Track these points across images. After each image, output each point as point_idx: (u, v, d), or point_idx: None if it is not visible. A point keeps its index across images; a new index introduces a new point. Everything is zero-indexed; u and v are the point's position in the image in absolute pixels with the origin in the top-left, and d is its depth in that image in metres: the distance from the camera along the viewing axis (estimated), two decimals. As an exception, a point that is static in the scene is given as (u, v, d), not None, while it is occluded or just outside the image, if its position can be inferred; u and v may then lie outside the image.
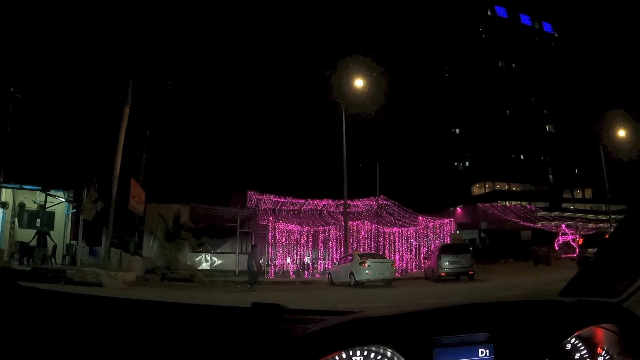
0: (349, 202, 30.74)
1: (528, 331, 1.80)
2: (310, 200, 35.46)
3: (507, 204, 55.46)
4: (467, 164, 77.31)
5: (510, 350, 1.75)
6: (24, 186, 23.45)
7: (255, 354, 1.50)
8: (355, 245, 29.98)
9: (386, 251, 30.93)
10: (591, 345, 2.05)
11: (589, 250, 20.31)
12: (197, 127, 40.35)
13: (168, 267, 24.37)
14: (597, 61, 74.11)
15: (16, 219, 24.03)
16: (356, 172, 38.29)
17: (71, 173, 24.26)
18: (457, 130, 78.35)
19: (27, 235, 22.76)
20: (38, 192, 23.76)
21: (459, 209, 52.55)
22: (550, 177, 74.73)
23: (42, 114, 24.89)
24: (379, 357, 1.63)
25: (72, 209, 25.30)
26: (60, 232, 24.91)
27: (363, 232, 31.06)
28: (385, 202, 36.71)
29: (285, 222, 30.60)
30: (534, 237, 40.75)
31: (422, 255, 30.81)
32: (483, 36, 78.32)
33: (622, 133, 42.86)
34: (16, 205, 24.22)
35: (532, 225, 44.32)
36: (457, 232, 34.90)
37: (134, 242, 27.58)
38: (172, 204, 28.06)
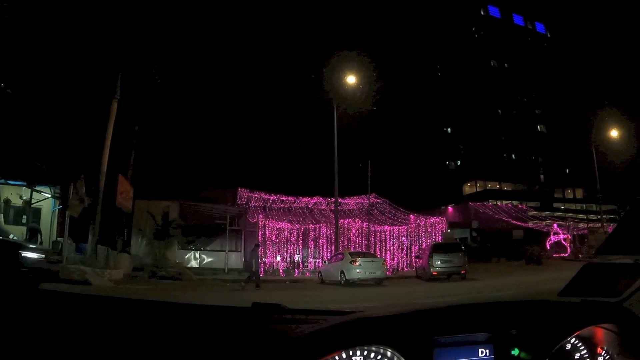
0: (340, 200, 30.52)
1: (528, 331, 1.80)
2: (301, 198, 35.25)
3: (499, 203, 55.53)
4: (458, 162, 77.50)
5: (510, 350, 1.76)
6: (9, 181, 23.01)
7: (255, 353, 1.50)
8: (346, 243, 29.74)
9: (377, 250, 30.74)
10: (591, 345, 2.06)
11: None
12: (187, 123, 40.06)
13: (156, 264, 23.93)
14: (589, 62, 74.46)
15: (1, 215, 23.60)
16: (347, 170, 38.08)
17: (58, 168, 23.84)
18: (449, 129, 78.56)
19: (13, 232, 22.33)
20: (24, 187, 23.33)
21: (450, 208, 52.60)
22: (542, 176, 75.00)
23: (29, 108, 24.45)
24: (379, 357, 1.64)
25: (59, 205, 24.89)
26: (46, 229, 24.56)
27: (354, 231, 30.83)
28: (376, 200, 36.56)
29: (276, 220, 30.35)
30: (526, 237, 40.77)
31: (413, 254, 30.57)
32: (476, 36, 78.47)
33: (612, 134, 42.98)
34: (1, 201, 23.79)
35: (523, 224, 44.40)
36: (449, 231, 34.77)
37: (122, 239, 27.18)
38: (161, 200, 27.80)
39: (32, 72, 24.09)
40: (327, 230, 30.03)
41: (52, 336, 1.57)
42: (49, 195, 24.55)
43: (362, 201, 35.71)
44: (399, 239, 32.54)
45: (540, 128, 78.31)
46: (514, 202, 58.43)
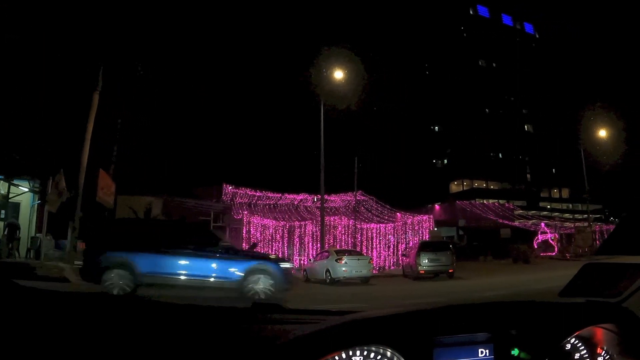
0: (326, 197, 30.18)
1: (528, 331, 1.79)
2: (286, 195, 34.85)
3: (485, 201, 55.60)
4: (445, 161, 77.68)
5: (510, 350, 1.75)
6: (-14, 175, 22.39)
7: (255, 354, 1.48)
8: (332, 241, 29.44)
9: (364, 248, 30.46)
10: (591, 345, 2.05)
11: None
12: (172, 118, 39.58)
13: None
14: (577, 63, 74.96)
15: (-22, 210, 23.01)
16: (334, 167, 37.84)
17: (37, 161, 23.27)
18: (437, 127, 78.71)
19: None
20: (1, 181, 22.70)
21: (437, 206, 52.54)
22: (528, 176, 75.38)
23: (6, 99, 23.78)
24: (379, 357, 1.63)
25: (38, 200, 24.28)
26: (26, 224, 23.98)
27: (340, 228, 30.52)
28: (363, 197, 36.29)
29: (261, 217, 29.89)
30: (513, 236, 40.79)
31: (400, 252, 30.30)
32: (465, 35, 78.60)
33: (598, 134, 43.15)
34: (-22, 195, 23.18)
35: (510, 223, 44.49)
36: (436, 229, 34.59)
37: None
38: (143, 196, 27.42)
39: (10, 62, 23.45)
40: (312, 228, 29.68)
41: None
42: (27, 189, 23.95)
43: (349, 198, 35.36)
44: (385, 236, 32.24)
45: (527, 128, 78.77)
46: (501, 201, 58.59)
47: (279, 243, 29.01)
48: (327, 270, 21.20)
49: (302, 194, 35.17)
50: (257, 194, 33.96)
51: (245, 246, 27.89)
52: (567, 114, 63.68)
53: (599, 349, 2.06)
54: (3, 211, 23.22)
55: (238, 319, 1.96)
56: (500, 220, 44.76)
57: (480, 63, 77.83)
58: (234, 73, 56.82)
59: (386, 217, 34.48)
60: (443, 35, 76.66)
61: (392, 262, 31.61)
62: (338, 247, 27.04)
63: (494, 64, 78.09)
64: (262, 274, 11.63)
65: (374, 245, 31.57)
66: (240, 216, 29.09)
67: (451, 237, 41.50)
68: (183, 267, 11.70)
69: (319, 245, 27.82)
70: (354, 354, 1.61)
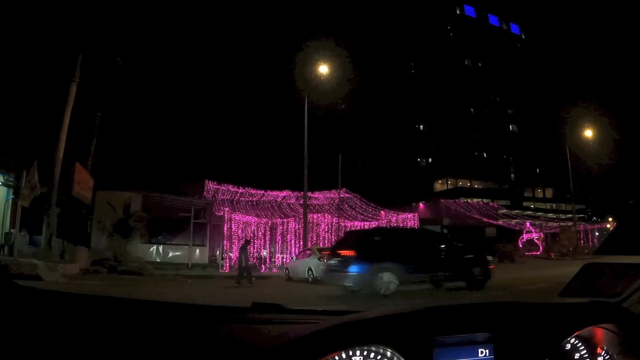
0: (309, 194, 29.76)
1: (528, 331, 1.78)
2: (269, 192, 34.42)
3: (469, 200, 55.71)
4: (430, 160, 77.86)
5: (510, 350, 1.74)
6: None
7: (255, 354, 1.46)
8: (315, 239, 29.00)
9: (347, 246, 29.98)
10: (591, 345, 2.05)
11: None
12: (155, 113, 39.01)
13: (117, 259, 22.91)
14: (562, 64, 75.59)
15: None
16: (318, 164, 37.52)
17: (11, 154, 22.52)
18: (422, 126, 78.86)
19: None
20: (-27, 174, 21.99)
21: (421, 205, 52.52)
22: (512, 175, 75.83)
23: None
24: (379, 357, 1.62)
25: (12, 195, 23.53)
26: (-1, 219, 23.19)
27: (323, 226, 30.07)
28: (347, 195, 35.97)
29: (243, 214, 29.36)
30: (498, 235, 40.78)
31: (384, 251, 29.91)
32: (451, 34, 78.85)
33: (583, 135, 43.32)
34: (-53, 188, 22.41)
35: (494, 222, 44.55)
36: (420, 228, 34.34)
37: (81, 231, 25.95)
38: (123, 191, 26.82)
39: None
40: (295, 225, 29.18)
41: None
42: (1, 183, 23.20)
43: (333, 196, 35.01)
44: (370, 235, 31.81)
45: (512, 128, 79.26)
46: (485, 200, 58.80)
47: (260, 240, 28.42)
48: (309, 269, 20.68)
49: (286, 191, 34.77)
50: (240, 190, 33.50)
51: (226, 243, 27.54)
52: (551, 115, 64.13)
53: (599, 349, 2.05)
54: (-25, 206, 22.52)
55: (238, 319, 1.93)
56: (485, 219, 44.87)
57: (466, 63, 78.23)
58: (219, 69, 56.35)
59: (370, 215, 34.19)
60: (429, 34, 76.91)
61: (376, 261, 31.19)
62: (321, 245, 26.60)
63: (479, 64, 78.54)
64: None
65: (358, 243, 31.14)
66: (221, 213, 28.52)
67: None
68: (433, 268, 14.06)
69: (301, 243, 27.35)
70: (354, 354, 1.60)
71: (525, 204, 70.58)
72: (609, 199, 70.17)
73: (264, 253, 29.18)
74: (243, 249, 21.22)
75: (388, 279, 13.02)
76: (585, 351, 2.04)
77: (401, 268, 13.23)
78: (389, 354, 1.60)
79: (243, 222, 28.23)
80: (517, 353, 1.75)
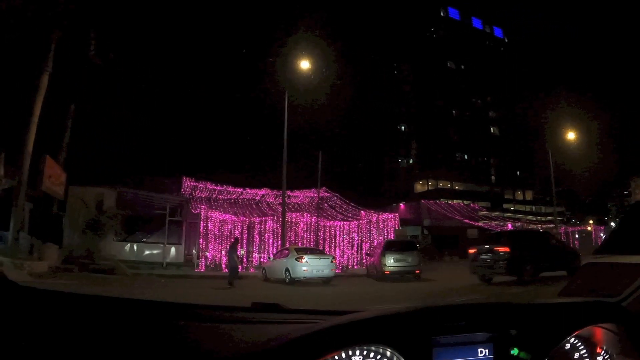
0: (289, 192, 29.16)
1: (527, 331, 1.79)
2: (248, 190, 33.76)
3: (450, 202, 55.77)
4: (411, 161, 77.96)
5: (510, 350, 1.74)
6: None
7: (254, 354, 1.46)
8: (293, 238, 28.38)
9: (326, 246, 29.54)
10: (591, 345, 2.05)
11: None
12: (132, 107, 38.13)
13: (89, 257, 22.30)
14: (544, 68, 76.28)
15: None
16: (298, 163, 36.95)
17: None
18: (403, 127, 78.95)
19: None
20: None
21: (402, 205, 52.41)
22: (493, 177, 76.31)
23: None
24: (379, 356, 1.63)
25: (-22, 189, 22.66)
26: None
27: (302, 225, 29.39)
28: (327, 194, 35.46)
29: (220, 212, 28.60)
30: (480, 236, 40.58)
31: (364, 251, 29.38)
32: (434, 36, 79.07)
33: (564, 139, 43.44)
34: None
35: (474, 223, 44.52)
36: (401, 228, 33.94)
37: (53, 228, 25.10)
38: (96, 187, 26.17)
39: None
40: (273, 224, 28.49)
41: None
42: (-36, 176, 22.27)
43: (312, 195, 34.45)
44: (349, 235, 31.32)
45: (493, 130, 79.76)
46: (465, 202, 58.95)
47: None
48: (287, 270, 20.05)
49: (265, 189, 34.17)
50: (218, 188, 32.81)
51: (202, 241, 26.77)
52: (532, 118, 64.60)
53: (598, 348, 2.06)
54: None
55: (238, 319, 1.94)
56: (466, 221, 44.85)
57: (449, 65, 78.49)
58: (199, 63, 55.39)
59: (350, 215, 33.68)
60: (413, 35, 76.88)
61: (356, 261, 30.73)
62: (300, 245, 25.95)
63: (462, 66, 78.92)
64: None
65: (337, 244, 30.64)
66: (198, 210, 27.76)
67: (415, 236, 41.00)
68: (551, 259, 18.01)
69: (279, 242, 26.70)
70: (354, 354, 1.60)
71: (505, 205, 71.16)
72: (586, 202, 71.02)
73: (242, 252, 28.47)
74: (232, 249, 20.71)
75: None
76: (584, 351, 2.05)
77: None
78: (388, 353, 1.61)
79: (220, 221, 27.48)
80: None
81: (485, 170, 75.79)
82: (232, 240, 22.50)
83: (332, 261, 21.34)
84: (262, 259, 27.36)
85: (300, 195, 35.06)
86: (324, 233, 30.30)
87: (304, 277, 19.71)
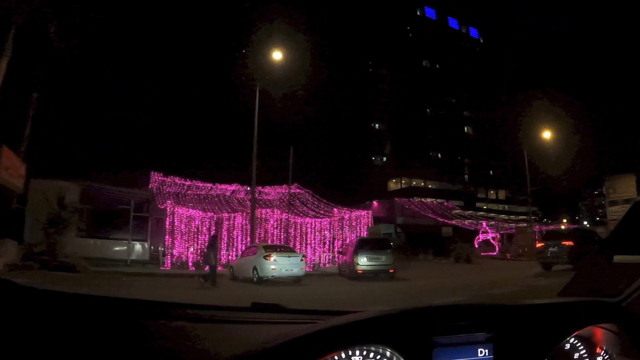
0: (259, 188, 28.40)
1: (527, 331, 1.78)
2: (218, 185, 32.97)
3: (424, 200, 55.77)
4: (384, 159, 77.93)
5: (510, 350, 1.75)
6: None
7: (254, 354, 1.43)
8: (263, 235, 27.60)
9: (297, 243, 28.82)
10: (590, 345, 2.05)
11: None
12: (99, 98, 37.00)
13: (50, 253, 21.23)
14: (518, 68, 77.02)
15: None
16: (270, 159, 36.16)
17: None
18: (377, 125, 78.90)
19: None
20: None
21: (375, 203, 52.21)
22: (466, 176, 76.79)
23: None
24: (378, 356, 1.63)
25: None
26: None
27: (272, 222, 28.57)
28: (298, 190, 34.87)
29: (187, 207, 27.65)
30: (455, 235, 40.54)
31: (336, 249, 28.73)
32: (410, 35, 79.10)
33: (538, 138, 43.60)
34: None
35: (448, 221, 44.62)
36: (374, 226, 33.46)
37: (11, 223, 23.98)
38: (58, 180, 24.98)
39: None
40: (242, 220, 27.66)
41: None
42: None
43: (283, 191, 33.79)
44: (321, 232, 30.65)
45: (467, 130, 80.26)
46: (439, 200, 59.02)
47: (205, 236, 26.67)
48: (255, 268, 19.28)
49: (235, 185, 33.41)
50: (187, 183, 32.01)
51: (168, 238, 25.81)
52: (506, 118, 64.99)
53: (598, 348, 2.05)
54: None
55: (238, 319, 1.94)
56: (440, 219, 44.87)
57: (424, 64, 78.71)
58: (170, 55, 54.25)
59: (322, 212, 33.10)
60: (388, 33, 76.84)
61: (327, 259, 30.12)
62: (270, 242, 25.17)
63: (437, 66, 79.26)
64: None
65: (309, 241, 29.93)
66: (164, 206, 26.76)
67: (389, 234, 40.68)
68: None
69: (249, 239, 25.87)
70: (354, 354, 1.60)
71: (478, 204, 71.67)
72: (559, 202, 71.94)
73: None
74: (211, 246, 19.76)
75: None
76: (584, 351, 2.04)
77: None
78: (388, 353, 1.60)
79: (187, 217, 26.53)
80: (517, 353, 1.73)
81: (459, 170, 76.30)
82: (211, 236, 21.58)
83: (302, 259, 20.48)
84: (229, 257, 26.50)
85: (271, 192, 34.43)
86: (295, 230, 29.52)
87: (272, 276, 18.93)
